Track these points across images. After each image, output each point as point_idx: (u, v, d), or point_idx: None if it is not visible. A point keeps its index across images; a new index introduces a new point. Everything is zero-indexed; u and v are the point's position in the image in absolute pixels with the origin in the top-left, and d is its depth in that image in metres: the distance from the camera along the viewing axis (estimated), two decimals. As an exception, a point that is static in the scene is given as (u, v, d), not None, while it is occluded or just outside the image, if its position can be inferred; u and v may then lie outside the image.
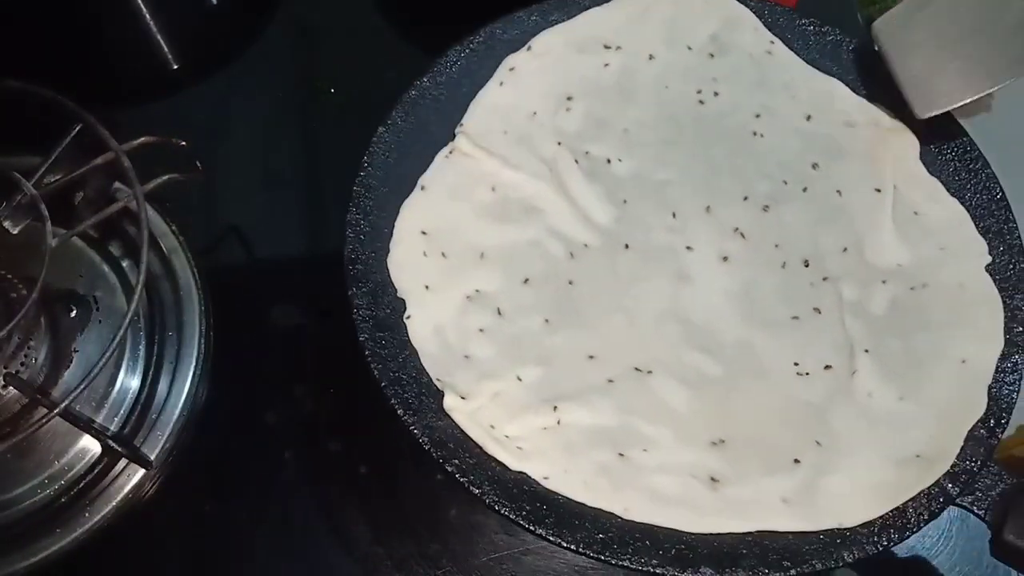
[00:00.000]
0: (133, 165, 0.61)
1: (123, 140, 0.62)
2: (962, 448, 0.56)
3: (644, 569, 0.52)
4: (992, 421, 0.57)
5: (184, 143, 0.64)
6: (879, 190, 0.65)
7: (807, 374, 0.59)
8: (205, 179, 0.67)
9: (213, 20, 0.86)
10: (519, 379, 0.58)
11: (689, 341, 0.60)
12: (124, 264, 0.68)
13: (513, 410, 0.57)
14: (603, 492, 0.55)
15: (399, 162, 0.64)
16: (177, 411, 0.64)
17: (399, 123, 0.65)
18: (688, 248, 0.63)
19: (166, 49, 0.82)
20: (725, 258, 0.63)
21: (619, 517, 0.54)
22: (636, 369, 0.59)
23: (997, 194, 0.64)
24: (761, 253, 0.63)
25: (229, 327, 0.68)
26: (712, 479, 0.56)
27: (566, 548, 0.53)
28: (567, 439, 0.57)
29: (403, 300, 0.60)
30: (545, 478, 0.55)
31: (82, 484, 0.63)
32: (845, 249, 0.63)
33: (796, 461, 0.56)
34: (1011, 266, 0.62)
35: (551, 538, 0.53)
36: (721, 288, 0.62)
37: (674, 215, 0.64)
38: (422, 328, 0.59)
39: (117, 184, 0.67)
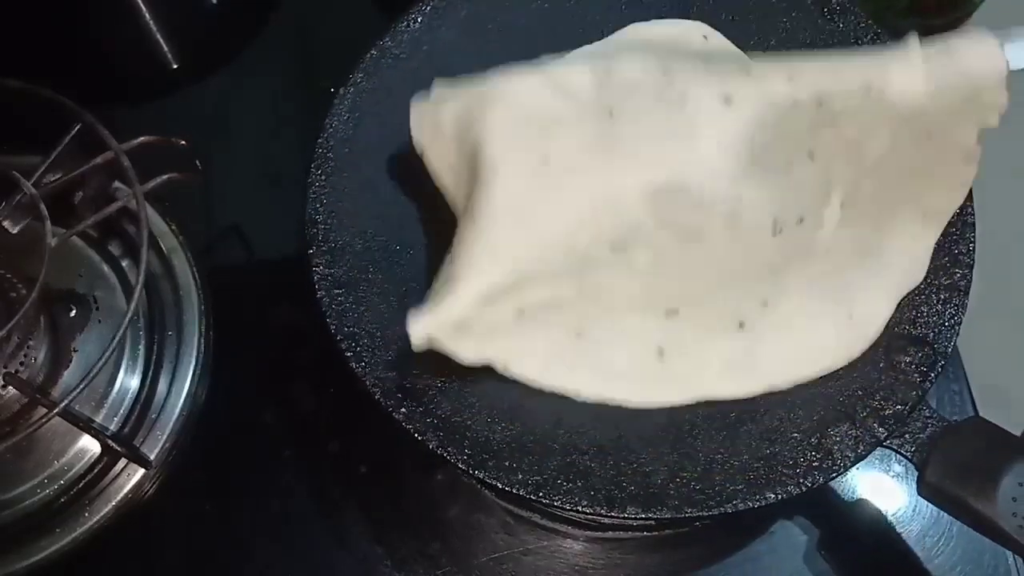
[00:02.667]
0: (133, 165, 0.61)
1: (123, 139, 0.62)
2: (893, 390, 0.56)
3: (574, 508, 0.54)
4: (926, 366, 0.57)
5: (184, 143, 0.64)
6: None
7: (780, 231, 0.58)
8: (205, 179, 0.67)
9: (213, 20, 0.86)
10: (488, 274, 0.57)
11: (675, 208, 0.56)
12: (124, 264, 0.68)
13: (479, 303, 0.56)
14: (559, 374, 0.56)
15: (360, 123, 0.64)
16: (177, 411, 0.64)
17: (360, 84, 0.65)
18: (683, 98, 0.57)
19: (166, 49, 0.82)
20: (728, 100, 0.57)
21: (556, 460, 0.55)
22: (612, 246, 0.57)
23: None
24: (767, 93, 0.58)
25: (229, 327, 0.68)
26: (660, 350, 0.57)
27: (503, 488, 0.54)
28: (529, 323, 0.56)
29: (362, 256, 0.60)
30: (505, 367, 0.56)
31: (82, 484, 0.63)
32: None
33: (740, 325, 0.57)
34: (959, 211, 0.61)
35: (489, 480, 0.54)
36: (719, 139, 0.56)
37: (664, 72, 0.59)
38: None
39: (117, 183, 0.67)
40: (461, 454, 0.55)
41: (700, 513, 0.54)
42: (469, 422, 0.56)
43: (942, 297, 0.58)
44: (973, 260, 0.59)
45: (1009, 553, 0.63)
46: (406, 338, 0.56)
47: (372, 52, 0.66)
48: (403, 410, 0.56)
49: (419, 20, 0.67)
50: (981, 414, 0.68)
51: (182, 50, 0.82)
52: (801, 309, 0.58)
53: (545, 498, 0.54)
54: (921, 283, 0.59)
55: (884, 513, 0.64)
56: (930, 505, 0.63)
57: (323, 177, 0.62)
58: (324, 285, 0.59)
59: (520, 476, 0.54)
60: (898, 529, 0.64)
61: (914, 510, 0.64)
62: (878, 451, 0.56)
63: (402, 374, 0.57)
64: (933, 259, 0.59)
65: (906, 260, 0.59)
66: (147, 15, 0.82)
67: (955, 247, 0.60)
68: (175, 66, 0.82)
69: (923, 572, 0.63)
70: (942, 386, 0.68)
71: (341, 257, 0.60)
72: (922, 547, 0.63)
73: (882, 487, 0.65)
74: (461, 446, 0.55)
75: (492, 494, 0.65)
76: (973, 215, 0.60)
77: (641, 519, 0.54)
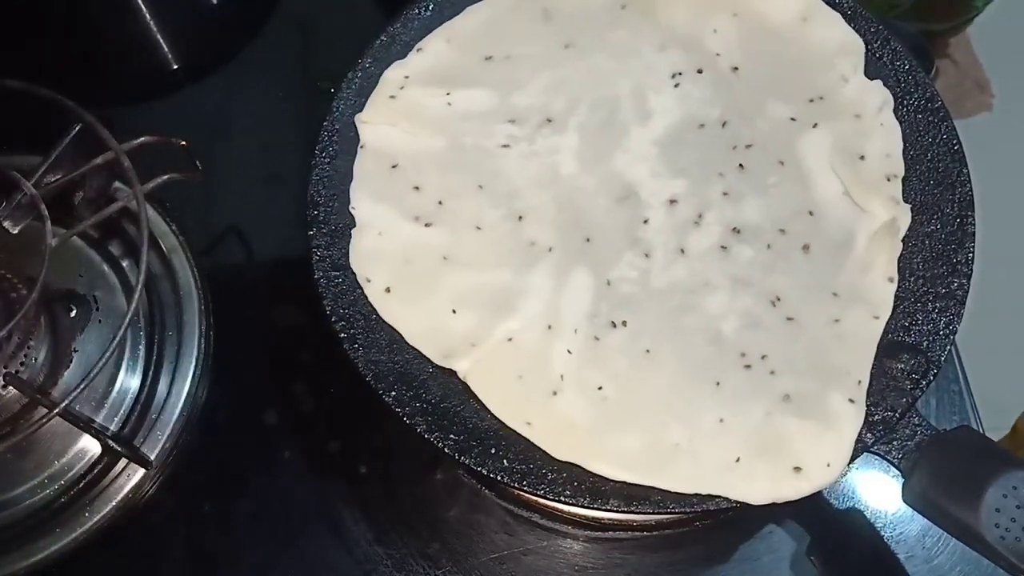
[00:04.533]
0: (133, 165, 0.61)
1: (123, 140, 0.62)
2: (883, 396, 0.56)
3: (557, 500, 0.54)
4: (918, 374, 0.57)
5: (184, 143, 0.64)
6: None
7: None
8: (205, 179, 0.67)
9: (213, 20, 0.86)
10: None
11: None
12: (124, 264, 0.69)
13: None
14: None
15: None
16: (177, 411, 0.64)
17: (368, 69, 0.66)
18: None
19: (166, 49, 0.82)
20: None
21: (542, 451, 0.55)
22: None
23: (955, 145, 0.62)
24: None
25: (229, 327, 0.68)
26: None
27: (487, 475, 0.54)
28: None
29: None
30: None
31: (82, 484, 0.63)
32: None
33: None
34: (960, 220, 0.60)
35: (474, 466, 0.54)
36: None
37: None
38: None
39: (117, 184, 0.67)
40: (447, 439, 0.55)
41: (683, 510, 0.54)
42: (458, 408, 0.57)
43: (938, 306, 0.58)
44: (971, 270, 0.59)
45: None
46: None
47: (382, 38, 0.66)
48: (393, 393, 0.56)
49: (430, 7, 0.67)
50: (980, 415, 0.68)
51: (182, 50, 0.82)
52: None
53: (529, 487, 0.54)
54: (917, 291, 0.59)
55: (884, 514, 0.64)
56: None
57: (327, 160, 0.63)
58: (322, 267, 0.60)
59: (505, 463, 0.55)
60: (898, 530, 0.64)
61: (911, 515, 0.64)
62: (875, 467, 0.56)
63: (394, 358, 0.58)
64: (931, 268, 0.59)
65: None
66: (147, 15, 0.82)
67: (954, 256, 0.59)
68: (175, 66, 0.82)
69: (923, 572, 0.63)
70: (942, 386, 0.68)
71: (340, 240, 0.61)
72: (922, 547, 0.63)
73: (882, 488, 0.65)
74: (448, 432, 0.55)
75: (493, 493, 0.65)
76: (974, 224, 0.60)
77: (623, 511, 0.54)
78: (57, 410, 0.58)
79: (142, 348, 0.66)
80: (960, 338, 0.69)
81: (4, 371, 0.62)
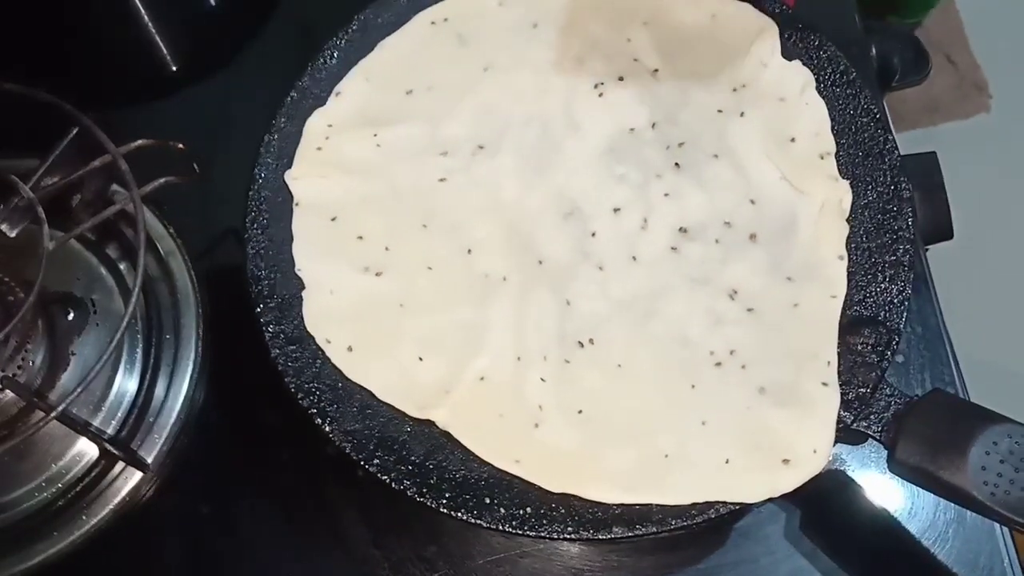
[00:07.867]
0: (131, 168, 0.61)
1: (120, 142, 0.62)
2: (853, 374, 0.56)
3: (561, 537, 0.54)
4: (882, 345, 0.57)
5: (182, 145, 0.64)
6: None
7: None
8: (203, 181, 0.67)
9: (212, 21, 0.86)
10: None
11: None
12: (121, 267, 0.69)
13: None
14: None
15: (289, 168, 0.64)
16: (174, 414, 0.64)
17: (284, 128, 0.65)
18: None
19: (164, 50, 0.82)
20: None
21: (536, 488, 0.55)
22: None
23: (877, 114, 0.62)
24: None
25: (227, 329, 0.68)
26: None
27: (487, 528, 0.54)
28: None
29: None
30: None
31: (79, 487, 0.63)
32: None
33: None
34: (894, 187, 0.61)
35: (472, 521, 0.54)
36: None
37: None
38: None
39: (115, 187, 0.67)
40: (441, 499, 0.55)
41: (686, 523, 0.54)
42: (444, 462, 0.56)
43: (888, 275, 0.59)
44: (913, 235, 0.60)
45: (1004, 554, 0.63)
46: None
47: (292, 94, 0.66)
48: (376, 462, 0.56)
49: (335, 56, 0.67)
50: (972, 398, 0.67)
51: (181, 53, 0.82)
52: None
53: (532, 531, 0.54)
54: (866, 263, 0.59)
55: (884, 513, 0.64)
56: (926, 507, 0.63)
57: (259, 231, 0.62)
58: (277, 343, 0.59)
59: (503, 512, 0.54)
60: (896, 530, 0.64)
61: (910, 512, 0.64)
62: (876, 455, 0.56)
63: (369, 424, 0.57)
64: (874, 238, 0.60)
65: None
66: (146, 17, 0.82)
67: (894, 223, 0.60)
68: (174, 68, 0.82)
69: (922, 571, 0.63)
70: (935, 371, 0.68)
71: (290, 310, 0.60)
72: (920, 548, 0.63)
73: (881, 488, 0.65)
74: (440, 490, 0.55)
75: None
76: (909, 190, 0.60)
77: (628, 538, 0.54)
78: (54, 413, 0.58)
79: (139, 351, 0.66)
80: (957, 338, 0.69)
81: (1, 374, 0.62)
